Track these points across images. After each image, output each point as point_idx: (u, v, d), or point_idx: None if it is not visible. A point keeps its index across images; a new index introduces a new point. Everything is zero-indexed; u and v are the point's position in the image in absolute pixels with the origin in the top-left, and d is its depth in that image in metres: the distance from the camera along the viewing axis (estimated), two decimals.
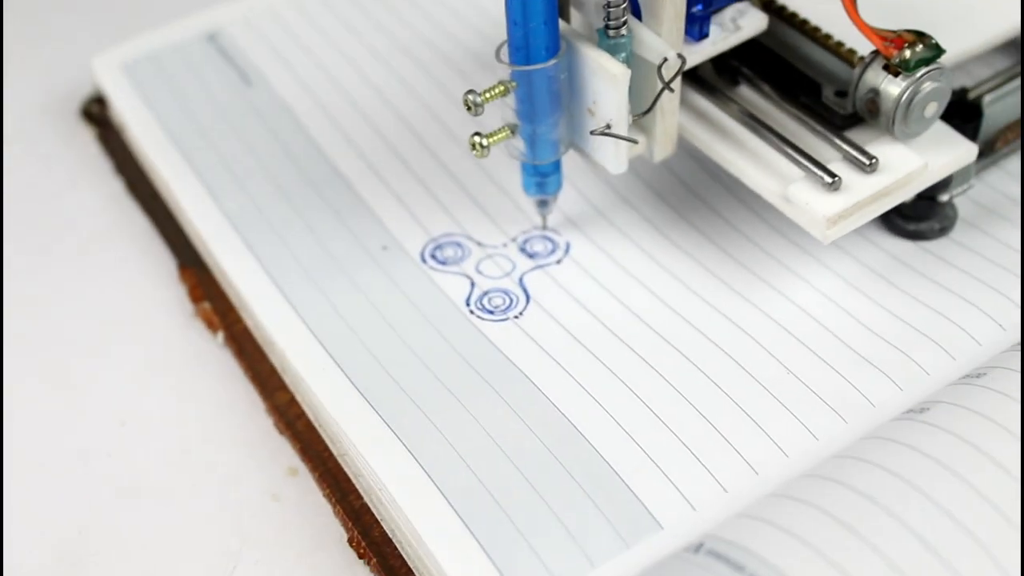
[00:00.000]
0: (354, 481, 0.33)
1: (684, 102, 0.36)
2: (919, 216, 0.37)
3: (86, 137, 0.45)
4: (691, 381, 0.34)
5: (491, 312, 0.36)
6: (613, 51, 0.33)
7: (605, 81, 0.33)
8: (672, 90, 0.33)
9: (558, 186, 0.37)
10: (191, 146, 0.42)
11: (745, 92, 0.37)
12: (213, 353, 0.38)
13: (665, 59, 0.32)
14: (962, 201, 0.37)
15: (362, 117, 0.43)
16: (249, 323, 0.38)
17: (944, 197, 0.36)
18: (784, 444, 0.32)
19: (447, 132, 0.42)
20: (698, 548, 0.28)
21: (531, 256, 0.38)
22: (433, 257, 0.38)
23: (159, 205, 0.42)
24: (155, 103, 0.43)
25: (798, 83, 0.36)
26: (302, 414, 0.35)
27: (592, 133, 0.34)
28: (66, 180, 0.44)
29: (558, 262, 0.38)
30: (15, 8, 0.50)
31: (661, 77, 0.33)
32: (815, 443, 0.32)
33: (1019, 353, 0.32)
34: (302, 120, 0.43)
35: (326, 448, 0.34)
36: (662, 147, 0.35)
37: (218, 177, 0.41)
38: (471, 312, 0.36)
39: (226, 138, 0.42)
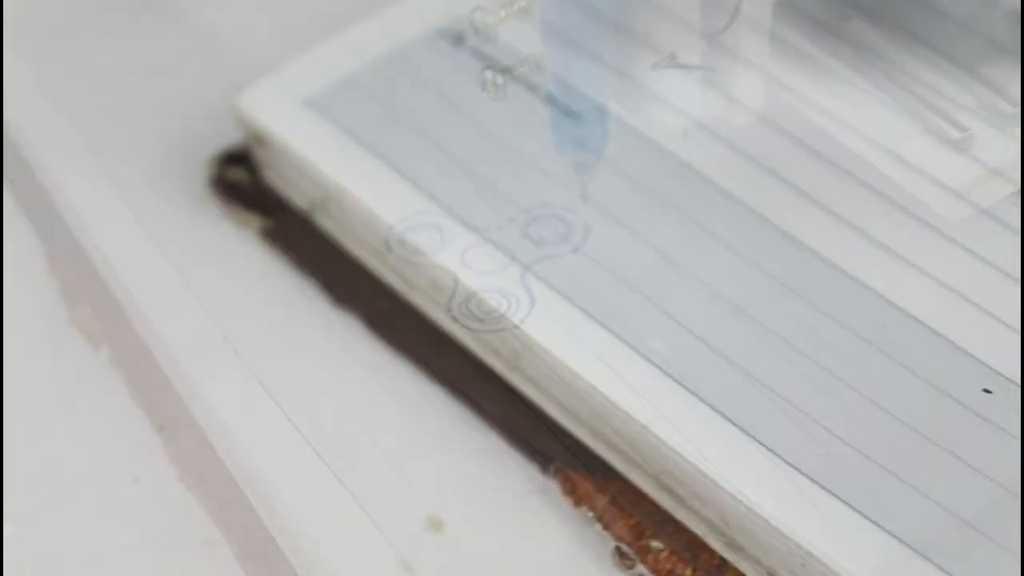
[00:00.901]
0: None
1: (775, 39, 0.33)
2: None
3: None
4: (765, 417, 0.29)
5: (481, 320, 0.33)
6: None
7: None
8: None
9: (604, 139, 0.33)
10: None
11: (851, 26, 0.34)
12: (93, 373, 0.35)
13: None
14: None
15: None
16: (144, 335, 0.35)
17: None
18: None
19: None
20: None
21: (537, 243, 0.34)
22: (402, 244, 0.34)
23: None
24: None
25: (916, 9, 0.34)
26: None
27: (654, 67, 0.31)
28: None
29: (573, 251, 0.34)
30: None
31: None
32: None
33: None
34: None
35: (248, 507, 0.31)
36: None
37: None
38: (454, 319, 0.33)
39: None
